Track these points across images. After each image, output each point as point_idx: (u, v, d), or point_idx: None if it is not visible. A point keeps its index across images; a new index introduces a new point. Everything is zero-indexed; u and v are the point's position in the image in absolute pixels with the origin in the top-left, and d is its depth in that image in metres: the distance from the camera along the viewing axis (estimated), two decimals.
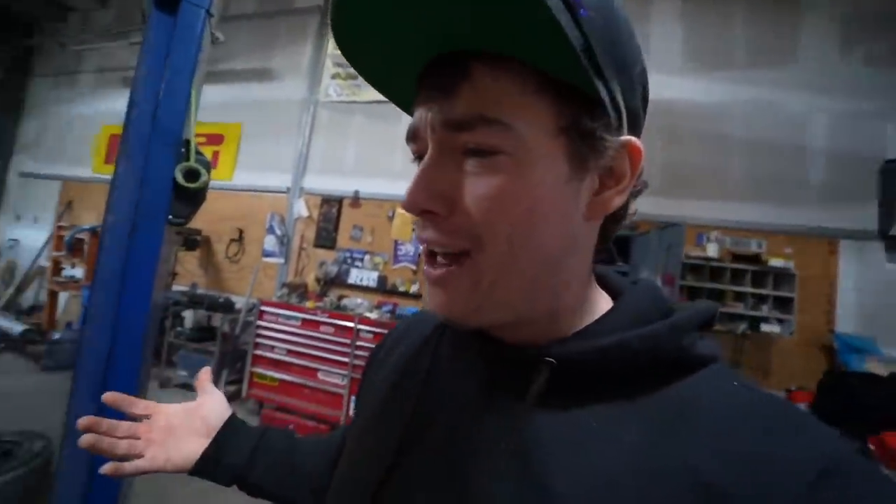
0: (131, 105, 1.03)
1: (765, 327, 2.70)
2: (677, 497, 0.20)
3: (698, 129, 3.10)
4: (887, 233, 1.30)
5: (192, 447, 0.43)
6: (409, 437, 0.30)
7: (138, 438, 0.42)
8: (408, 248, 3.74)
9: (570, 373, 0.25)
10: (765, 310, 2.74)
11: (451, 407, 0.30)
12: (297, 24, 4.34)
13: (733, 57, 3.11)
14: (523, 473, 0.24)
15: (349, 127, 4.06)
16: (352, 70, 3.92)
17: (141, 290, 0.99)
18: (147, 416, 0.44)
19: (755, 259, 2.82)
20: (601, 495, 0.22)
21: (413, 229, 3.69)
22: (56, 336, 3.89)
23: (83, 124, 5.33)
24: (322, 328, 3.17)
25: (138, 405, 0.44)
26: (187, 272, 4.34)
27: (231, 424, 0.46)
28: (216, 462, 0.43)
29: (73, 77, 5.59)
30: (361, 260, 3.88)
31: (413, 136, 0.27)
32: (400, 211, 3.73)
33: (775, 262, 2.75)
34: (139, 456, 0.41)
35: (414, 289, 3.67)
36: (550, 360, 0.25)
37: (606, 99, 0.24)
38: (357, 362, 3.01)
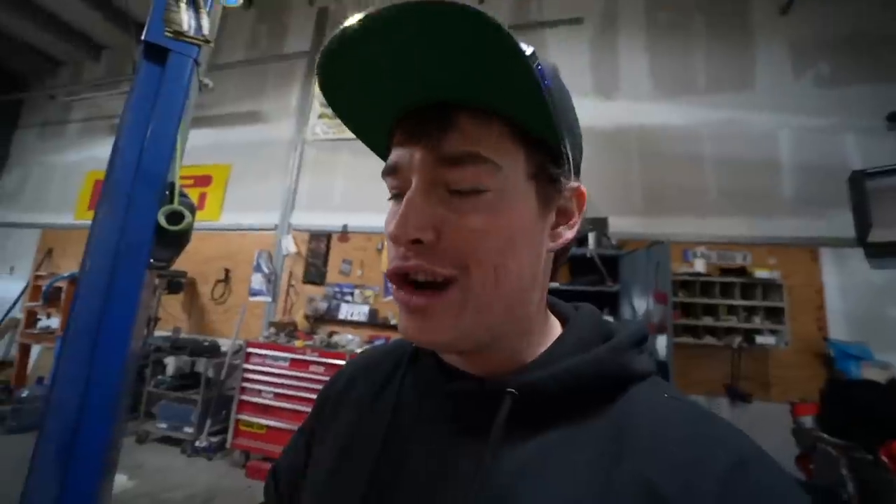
0: (115, 150, 1.03)
1: (759, 339, 2.69)
2: (626, 503, 0.23)
3: (672, 150, 3.25)
4: (865, 239, 1.35)
5: None
6: (377, 486, 0.30)
7: None
8: None
9: (529, 401, 0.27)
10: (757, 321, 2.74)
11: (419, 452, 0.30)
12: (286, 68, 4.52)
13: (696, 83, 3.34)
14: None
15: (336, 163, 4.14)
16: None
17: (118, 339, 0.93)
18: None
19: (742, 271, 2.86)
20: None
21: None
22: (24, 394, 3.63)
23: (67, 171, 5.32)
24: (311, 368, 3.04)
25: None
26: (170, 316, 4.19)
27: None
28: None
29: (60, 127, 5.64)
30: (352, 294, 3.81)
31: (393, 172, 0.29)
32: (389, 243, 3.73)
33: (761, 273, 2.80)
34: None
35: None
36: (512, 391, 0.27)
37: (566, 151, 0.29)
38: None
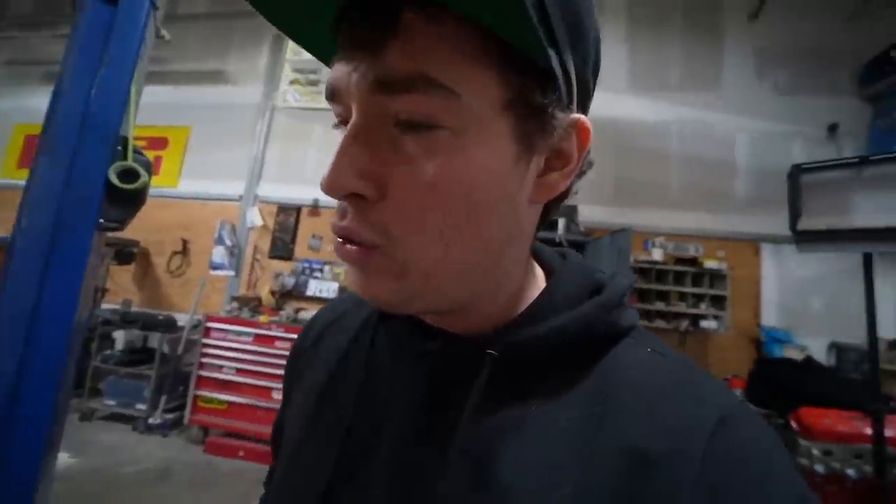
0: (57, 96, 0.92)
1: (703, 324, 2.97)
2: (612, 467, 0.21)
3: (643, 144, 3.39)
4: (795, 227, 1.52)
5: None
6: (349, 456, 0.27)
7: None
8: None
9: (511, 362, 0.25)
10: (703, 307, 3.02)
11: (393, 418, 0.27)
12: (254, 27, 4.17)
13: (669, 79, 3.47)
14: (475, 473, 0.23)
15: (309, 134, 3.94)
16: (312, 76, 3.80)
17: (62, 309, 0.85)
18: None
19: (694, 262, 3.11)
20: (546, 478, 0.22)
21: None
22: None
23: None
24: (277, 343, 2.98)
25: None
26: (120, 288, 3.91)
27: None
28: None
29: None
30: (321, 270, 3.73)
31: (333, 96, 0.23)
32: None
33: (710, 264, 3.06)
34: None
35: None
36: (492, 352, 0.25)
37: (559, 70, 0.21)
38: None
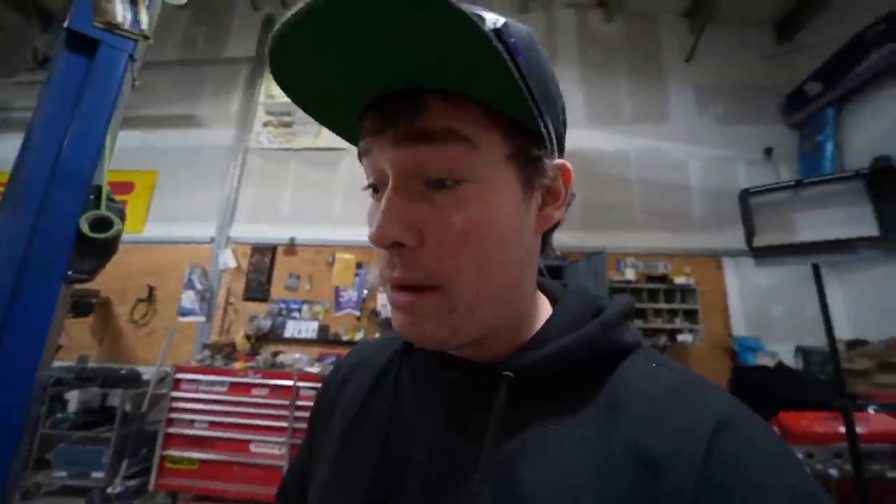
0: (26, 147, 0.90)
1: (680, 338, 3.08)
2: (626, 472, 0.23)
3: (606, 172, 3.64)
4: (752, 245, 1.65)
5: None
6: (382, 482, 0.29)
7: None
8: (350, 294, 3.59)
9: (526, 383, 0.28)
10: (678, 322, 3.14)
11: (421, 444, 0.30)
12: (226, 72, 4.26)
13: (622, 114, 3.81)
14: (500, 490, 0.25)
15: (284, 173, 3.95)
16: (285, 118, 3.86)
17: (22, 370, 0.80)
18: None
19: (664, 279, 3.28)
20: (567, 489, 0.24)
21: (355, 274, 3.59)
22: None
23: None
24: (255, 391, 2.80)
25: None
26: (75, 343, 3.60)
27: None
28: None
29: None
30: (299, 310, 3.61)
31: (367, 153, 0.28)
32: (341, 256, 3.63)
33: (680, 280, 3.23)
34: None
35: (359, 336, 3.49)
36: (508, 374, 0.28)
37: (545, 131, 0.28)
38: (298, 425, 2.68)
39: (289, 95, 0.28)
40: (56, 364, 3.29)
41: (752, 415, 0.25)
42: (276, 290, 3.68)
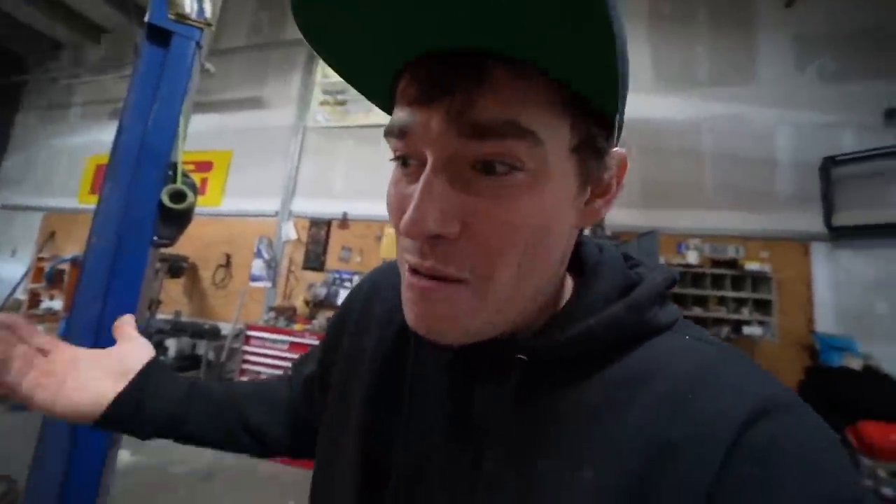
0: (120, 130, 1.06)
1: (746, 330, 2.75)
2: (636, 451, 0.22)
3: (672, 143, 3.26)
4: (830, 224, 1.40)
5: (103, 387, 0.34)
6: (401, 458, 0.29)
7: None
8: None
9: (541, 366, 0.26)
10: (745, 312, 2.80)
11: (435, 413, 0.29)
12: (287, 55, 4.50)
13: (697, 76, 3.33)
14: (516, 475, 0.24)
15: (338, 151, 4.15)
16: (340, 97, 4.01)
17: (124, 313, 0.98)
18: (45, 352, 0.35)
19: (733, 264, 2.91)
20: (569, 463, 0.23)
21: None
22: None
23: (70, 155, 5.33)
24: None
25: (38, 336, 0.35)
26: (171, 300, 4.26)
27: (155, 366, 0.37)
28: (137, 407, 0.35)
29: (62, 111, 5.63)
30: (350, 280, 3.87)
31: (401, 136, 0.23)
32: (389, 231, 3.77)
33: (752, 266, 2.85)
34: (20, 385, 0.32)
35: None
36: (522, 357, 0.26)
37: (619, 120, 0.23)
38: None
39: (305, 36, 0.23)
40: (159, 316, 3.94)
41: (800, 404, 0.22)
42: (331, 261, 3.97)
